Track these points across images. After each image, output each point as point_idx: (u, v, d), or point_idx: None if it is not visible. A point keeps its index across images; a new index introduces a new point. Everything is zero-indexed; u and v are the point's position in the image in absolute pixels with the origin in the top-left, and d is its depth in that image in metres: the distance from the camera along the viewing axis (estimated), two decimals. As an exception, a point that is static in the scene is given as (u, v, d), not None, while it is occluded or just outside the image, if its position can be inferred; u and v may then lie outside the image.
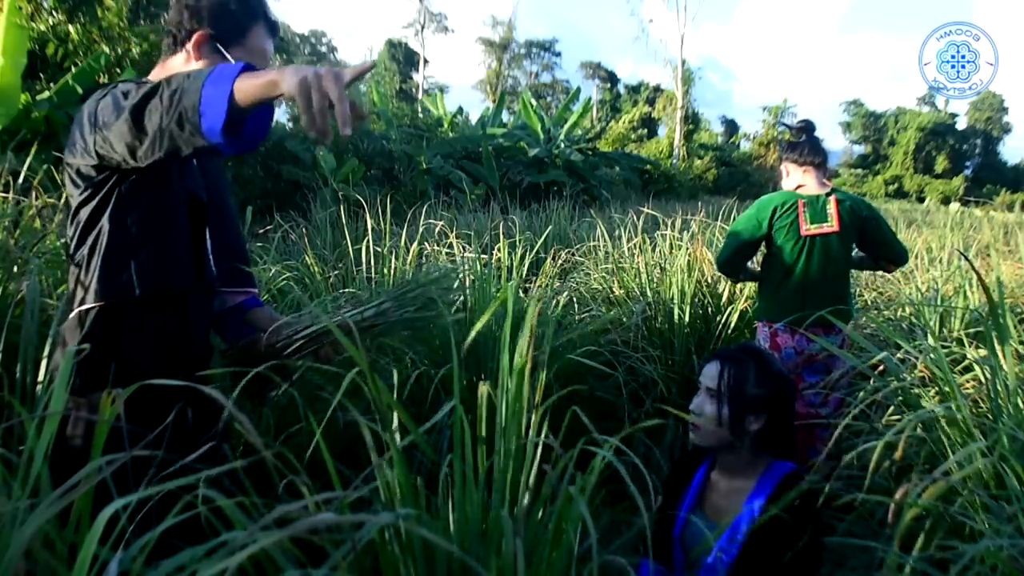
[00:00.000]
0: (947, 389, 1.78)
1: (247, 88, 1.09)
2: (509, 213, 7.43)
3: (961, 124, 48.06)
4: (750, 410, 1.57)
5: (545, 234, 4.80)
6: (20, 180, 2.75)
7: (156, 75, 1.47)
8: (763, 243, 2.78)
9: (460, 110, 18.73)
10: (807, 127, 2.85)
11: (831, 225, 2.66)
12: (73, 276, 1.39)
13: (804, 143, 2.79)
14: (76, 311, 1.37)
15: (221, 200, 1.62)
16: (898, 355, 2.13)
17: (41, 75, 7.59)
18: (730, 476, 1.63)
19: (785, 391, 1.63)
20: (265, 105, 1.15)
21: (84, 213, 1.36)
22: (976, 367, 2.15)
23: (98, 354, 1.34)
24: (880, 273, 4.39)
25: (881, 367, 2.11)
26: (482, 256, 3.36)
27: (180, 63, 1.44)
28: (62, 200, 2.93)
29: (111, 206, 1.35)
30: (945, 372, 1.78)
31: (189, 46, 1.42)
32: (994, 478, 1.46)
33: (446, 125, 16.01)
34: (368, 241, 3.52)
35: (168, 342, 1.43)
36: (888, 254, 2.81)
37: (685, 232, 4.36)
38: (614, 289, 3.91)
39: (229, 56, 1.42)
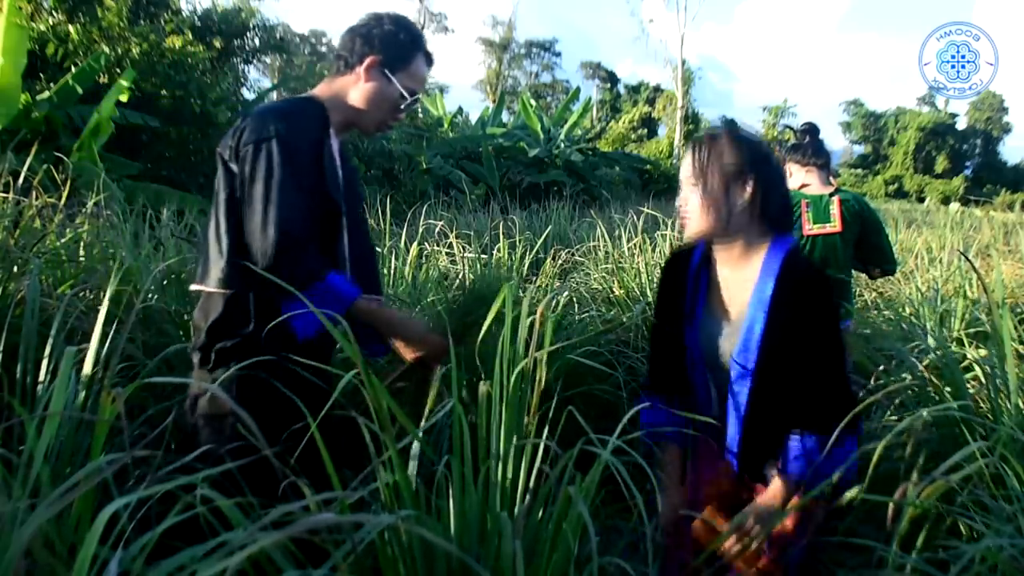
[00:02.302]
0: (947, 389, 1.79)
1: (381, 320, 1.56)
2: (509, 213, 7.44)
3: (961, 124, 48.06)
4: (733, 179, 1.45)
5: (545, 234, 4.80)
6: (20, 180, 2.75)
7: (322, 91, 1.60)
8: None
9: (460, 110, 18.74)
10: (811, 129, 2.85)
11: (834, 225, 2.67)
12: (219, 257, 1.46)
13: (807, 144, 2.79)
14: (229, 292, 1.45)
15: (358, 210, 1.73)
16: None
17: (41, 75, 7.59)
18: (731, 267, 1.51)
19: (764, 150, 1.52)
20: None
21: (228, 202, 1.46)
22: (976, 367, 2.15)
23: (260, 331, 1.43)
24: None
25: (882, 367, 2.11)
26: (482, 256, 3.36)
27: (349, 83, 1.60)
28: (62, 200, 2.94)
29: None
30: (945, 372, 1.78)
31: (360, 69, 1.57)
32: (994, 478, 1.46)
33: (446, 125, 16.01)
34: (368, 241, 3.51)
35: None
36: (880, 260, 2.82)
37: (685, 232, 4.34)
38: (614, 289, 3.91)
39: (395, 80, 1.58)
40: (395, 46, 1.58)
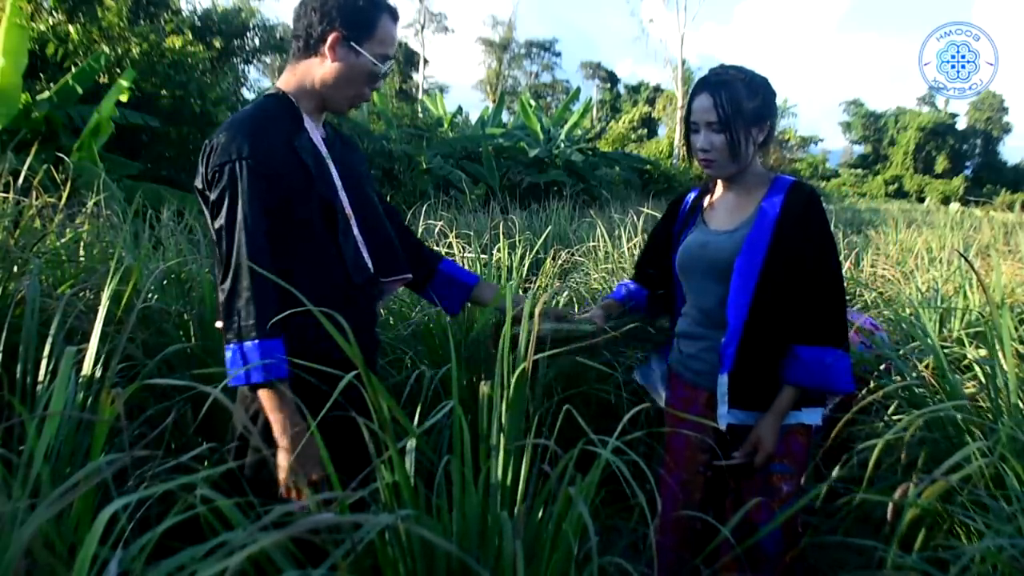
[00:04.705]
0: (947, 389, 1.78)
1: (271, 406, 1.33)
2: (509, 213, 7.43)
3: (961, 124, 48.02)
4: (752, 124, 1.60)
5: (545, 234, 4.79)
6: (20, 180, 2.75)
7: (286, 82, 1.51)
8: None
9: (460, 110, 18.72)
10: None
11: None
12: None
13: None
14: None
15: (367, 192, 1.62)
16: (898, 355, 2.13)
17: (41, 75, 7.59)
18: (737, 192, 1.67)
19: (773, 91, 1.66)
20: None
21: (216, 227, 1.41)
22: (976, 367, 2.15)
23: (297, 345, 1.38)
24: (880, 273, 4.40)
25: (883, 366, 2.11)
26: (482, 256, 3.36)
27: (314, 66, 1.47)
28: (62, 200, 2.94)
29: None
30: (939, 373, 1.78)
31: (324, 48, 1.45)
32: (994, 478, 1.46)
33: (446, 125, 15.99)
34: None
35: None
36: None
37: (685, 232, 4.34)
38: (614, 289, 3.89)
39: (364, 52, 1.46)
40: (356, 14, 1.44)
